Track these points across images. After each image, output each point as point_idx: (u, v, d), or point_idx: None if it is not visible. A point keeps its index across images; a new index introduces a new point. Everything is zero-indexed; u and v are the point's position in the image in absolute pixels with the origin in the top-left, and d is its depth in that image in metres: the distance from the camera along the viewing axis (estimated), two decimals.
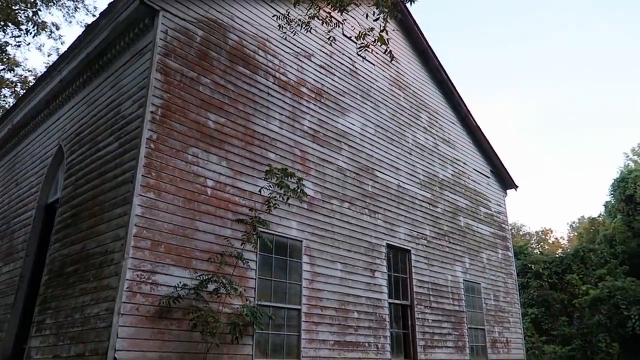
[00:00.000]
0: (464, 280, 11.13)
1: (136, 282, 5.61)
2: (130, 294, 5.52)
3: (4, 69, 17.90)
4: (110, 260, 5.78)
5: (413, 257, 9.93)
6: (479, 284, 11.66)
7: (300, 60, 8.90)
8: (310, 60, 9.12)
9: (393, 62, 9.94)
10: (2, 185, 10.08)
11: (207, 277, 6.01)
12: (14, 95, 21.19)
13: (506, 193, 14.40)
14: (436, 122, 12.25)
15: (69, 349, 5.88)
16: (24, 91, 15.61)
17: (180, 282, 5.91)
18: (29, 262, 7.95)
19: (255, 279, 6.85)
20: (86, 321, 5.77)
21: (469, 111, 13.21)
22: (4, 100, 21.34)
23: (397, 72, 11.43)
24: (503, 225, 13.64)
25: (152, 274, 5.78)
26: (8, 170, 10.12)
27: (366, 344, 8.22)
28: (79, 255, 6.42)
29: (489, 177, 13.77)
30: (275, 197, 6.81)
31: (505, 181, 14.31)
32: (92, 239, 6.28)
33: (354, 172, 9.25)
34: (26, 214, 8.50)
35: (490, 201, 13.40)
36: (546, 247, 42.73)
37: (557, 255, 24.69)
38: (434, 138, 11.95)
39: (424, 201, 10.82)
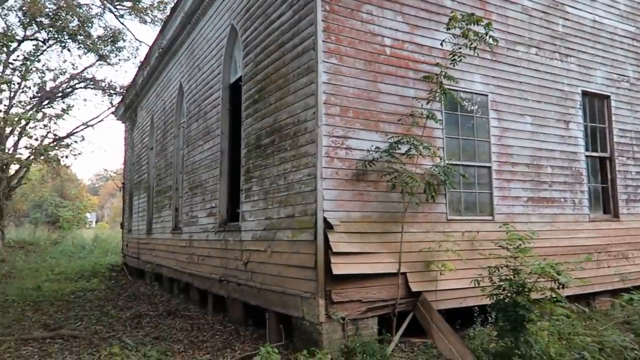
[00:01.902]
0: None
1: (332, 148, 5.77)
2: (328, 159, 5.72)
3: None
4: (304, 129, 5.98)
5: (613, 103, 8.66)
6: None
7: None
8: None
9: None
10: (187, 72, 10.94)
11: (397, 139, 5.94)
12: None
13: None
14: None
15: (278, 211, 6.50)
16: None
17: (372, 145, 5.95)
18: (224, 138, 8.74)
19: (442, 139, 6.62)
20: (290, 186, 6.22)
21: None
22: None
23: None
24: None
25: (344, 139, 5.87)
26: (189, 57, 10.88)
27: (562, 200, 7.71)
28: (272, 128, 6.78)
29: None
30: (460, 48, 6.21)
31: None
32: (282, 110, 6.53)
33: (541, 11, 7.98)
34: (213, 96, 9.19)
35: None
36: None
37: None
38: None
39: (625, 37, 9.08)
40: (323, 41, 5.80)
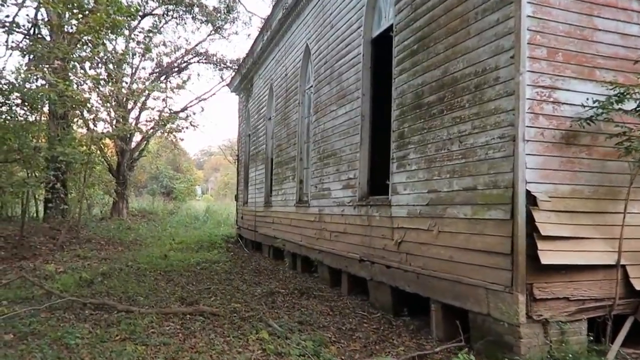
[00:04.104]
0: None
1: (537, 102, 4.48)
2: (532, 116, 4.45)
3: None
4: (494, 79, 4.73)
5: None
6: None
7: None
8: None
9: None
10: (315, 31, 10.02)
11: (621, 90, 4.50)
12: None
13: None
14: None
15: (449, 183, 5.36)
16: None
17: (587, 99, 4.57)
18: (366, 100, 7.72)
19: None
20: (470, 152, 5.04)
21: None
22: None
23: None
24: None
25: (552, 90, 4.55)
26: (318, 14, 9.94)
27: None
28: (441, 82, 5.60)
29: None
30: None
31: None
32: (457, 59, 5.31)
33: None
34: (351, 54, 8.17)
35: None
36: None
37: None
38: None
39: None
40: None
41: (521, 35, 4.41)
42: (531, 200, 4.37)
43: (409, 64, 6.31)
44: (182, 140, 30.76)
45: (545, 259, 4.25)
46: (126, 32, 18.87)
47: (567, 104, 4.57)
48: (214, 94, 32.03)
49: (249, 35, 46.67)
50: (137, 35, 16.81)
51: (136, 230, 19.84)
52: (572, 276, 4.50)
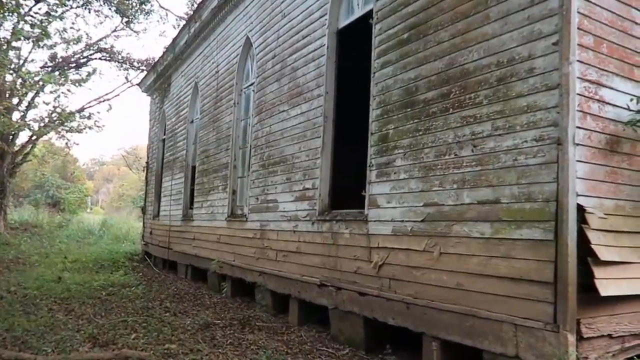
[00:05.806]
0: None
1: (585, 99, 3.73)
2: (581, 115, 3.69)
3: None
4: (527, 70, 3.93)
5: None
6: None
7: None
8: None
9: None
10: (260, 22, 8.80)
11: None
12: None
13: None
14: None
15: (457, 195, 4.46)
16: None
17: (632, 99, 3.94)
18: (330, 99, 6.68)
19: None
20: (488, 158, 4.18)
21: None
22: None
23: None
24: None
25: (597, 86, 3.84)
26: (262, 6, 8.75)
27: None
28: (444, 75, 4.72)
29: None
30: None
31: None
32: (468, 48, 4.47)
33: None
34: (311, 46, 7.11)
35: None
36: None
37: None
38: None
39: None
40: None
41: (571, 17, 3.65)
42: (580, 217, 3.58)
43: (397, 56, 5.38)
44: (77, 144, 27.35)
45: (604, 289, 3.47)
46: (15, 16, 16.12)
47: (610, 104, 3.90)
48: (117, 95, 29.15)
49: (162, 32, 43.67)
50: (33, 16, 14.25)
51: (17, 245, 16.89)
52: (614, 309, 3.78)
